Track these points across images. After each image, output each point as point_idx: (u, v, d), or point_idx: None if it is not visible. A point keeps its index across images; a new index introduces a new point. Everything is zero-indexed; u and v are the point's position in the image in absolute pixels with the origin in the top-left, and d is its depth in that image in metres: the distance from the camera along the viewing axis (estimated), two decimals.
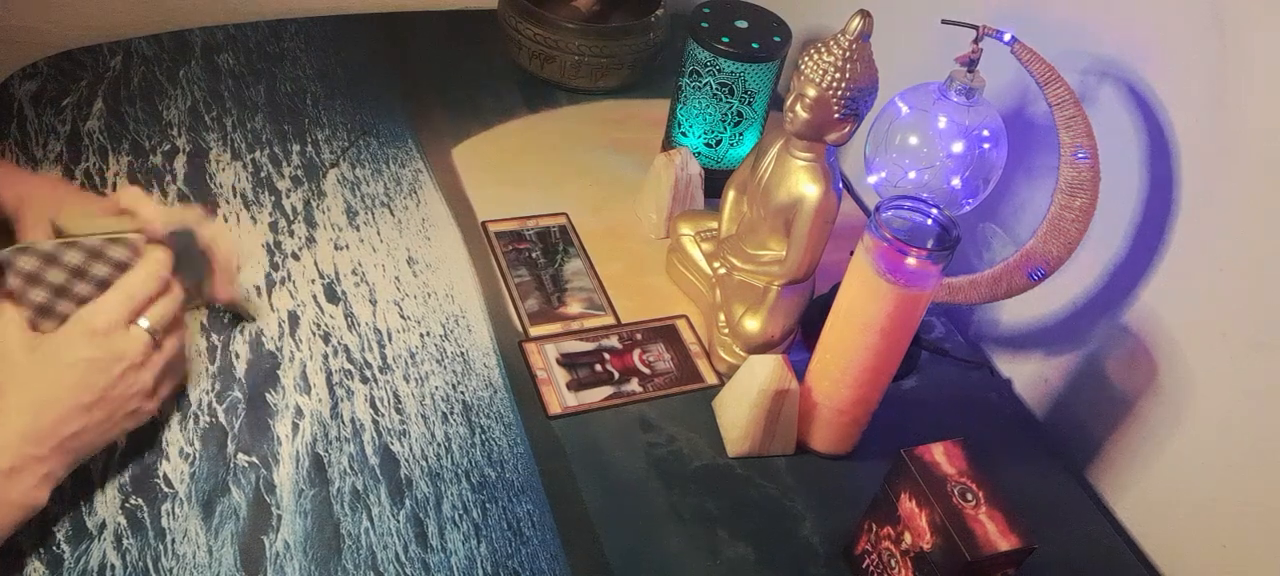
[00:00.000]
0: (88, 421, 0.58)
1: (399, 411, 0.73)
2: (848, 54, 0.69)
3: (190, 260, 0.68)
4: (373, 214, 0.90)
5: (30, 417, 0.56)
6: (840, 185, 0.75)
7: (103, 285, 0.61)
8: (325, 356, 0.76)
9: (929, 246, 0.64)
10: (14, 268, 0.58)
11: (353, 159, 0.96)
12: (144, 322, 0.61)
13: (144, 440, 0.66)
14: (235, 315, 0.76)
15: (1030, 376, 0.88)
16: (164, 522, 0.62)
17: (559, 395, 0.77)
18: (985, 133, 0.72)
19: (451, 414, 0.74)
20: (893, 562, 0.64)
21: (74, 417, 0.58)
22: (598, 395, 0.77)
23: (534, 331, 0.82)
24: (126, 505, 0.63)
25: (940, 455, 0.62)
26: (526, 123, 1.07)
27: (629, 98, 1.13)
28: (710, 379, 0.81)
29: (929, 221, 0.65)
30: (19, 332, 0.58)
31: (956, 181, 0.73)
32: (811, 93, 0.71)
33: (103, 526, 0.61)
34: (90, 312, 0.59)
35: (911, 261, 0.63)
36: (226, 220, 0.86)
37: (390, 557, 0.63)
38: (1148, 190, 0.75)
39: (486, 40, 1.18)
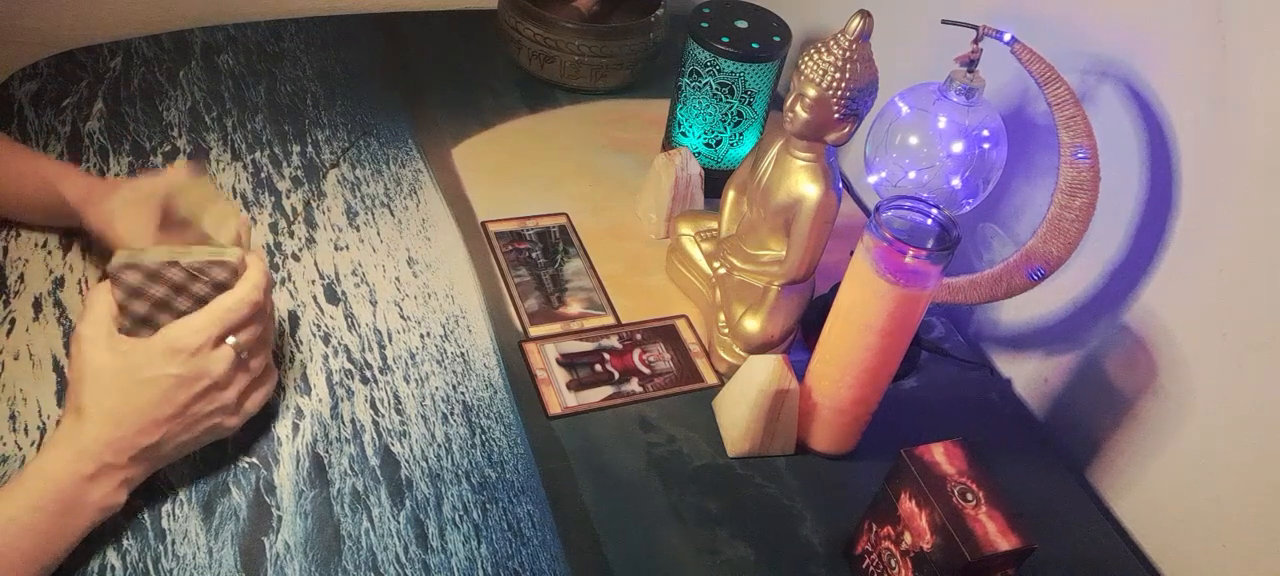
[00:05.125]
0: (167, 433, 0.60)
1: (399, 412, 0.73)
2: (848, 54, 0.69)
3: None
4: (373, 214, 0.90)
5: (112, 427, 0.58)
6: (840, 185, 0.75)
7: (201, 303, 0.62)
8: (325, 357, 0.76)
9: (929, 246, 0.64)
10: (119, 282, 0.60)
11: (353, 159, 0.96)
12: (231, 341, 0.62)
13: None
14: None
15: (1030, 376, 0.88)
16: (164, 523, 0.62)
17: (559, 395, 0.77)
18: (985, 133, 0.72)
19: (452, 414, 0.74)
20: (893, 562, 0.64)
21: (153, 430, 0.59)
22: (598, 395, 0.77)
23: (534, 331, 0.82)
24: (127, 505, 0.63)
25: (940, 455, 0.62)
26: (526, 123, 1.07)
27: (629, 98, 1.13)
28: (710, 379, 0.81)
29: (929, 221, 0.65)
30: (109, 343, 0.59)
31: (956, 181, 0.73)
32: (811, 93, 0.71)
33: (103, 527, 0.61)
34: (179, 331, 0.60)
35: (911, 261, 0.63)
36: None
37: (390, 558, 0.63)
38: (1148, 190, 0.75)
39: (486, 40, 1.18)
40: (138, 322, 0.61)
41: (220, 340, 0.61)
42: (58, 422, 0.63)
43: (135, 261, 0.60)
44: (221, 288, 0.63)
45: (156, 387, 0.59)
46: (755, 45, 0.90)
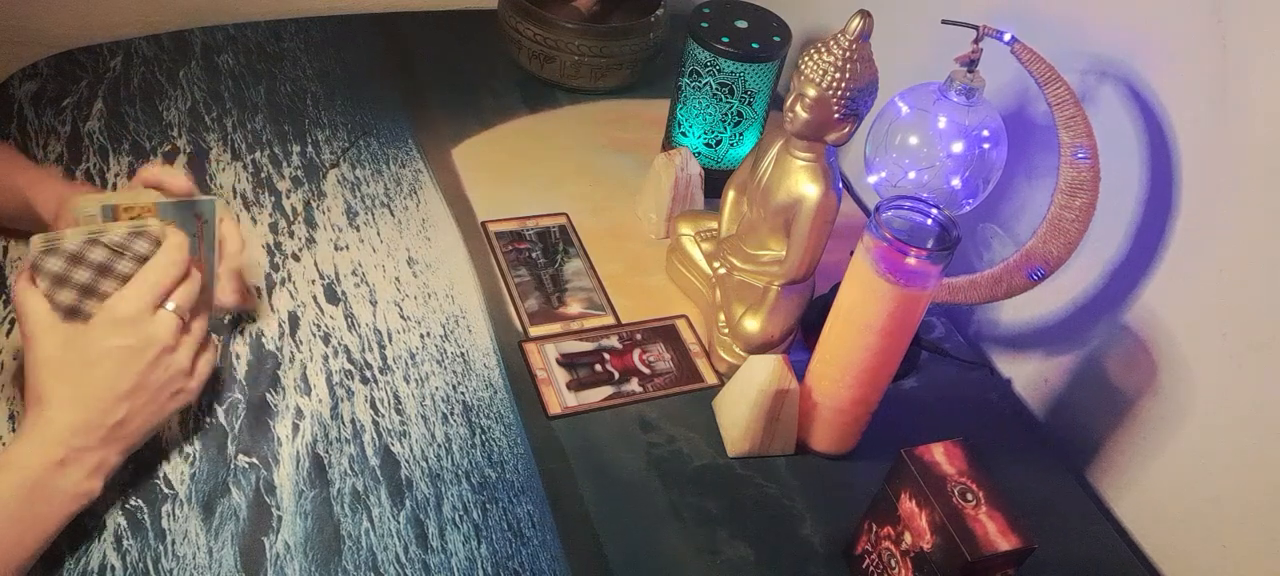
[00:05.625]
0: (131, 408, 0.60)
1: (399, 412, 0.73)
2: (848, 54, 0.69)
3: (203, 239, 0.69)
4: (373, 214, 0.90)
5: (73, 411, 0.58)
6: (840, 185, 0.75)
7: (127, 279, 0.62)
8: (325, 357, 0.76)
9: (929, 246, 0.64)
10: (42, 270, 0.59)
11: (353, 159, 0.96)
12: (170, 305, 0.62)
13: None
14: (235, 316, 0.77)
15: (1030, 376, 0.88)
16: (164, 523, 0.62)
17: (559, 395, 0.77)
18: (985, 133, 0.72)
19: (452, 414, 0.74)
20: (893, 562, 0.64)
21: (116, 407, 0.59)
22: (598, 395, 0.77)
23: (534, 331, 0.82)
24: (126, 506, 0.63)
25: (940, 455, 0.62)
26: (526, 123, 1.07)
27: (629, 98, 1.13)
28: (710, 379, 0.81)
29: (929, 221, 0.65)
30: (52, 330, 0.59)
31: (956, 181, 0.73)
32: (811, 93, 0.71)
33: (103, 527, 0.61)
34: (115, 303, 0.60)
35: (911, 261, 0.63)
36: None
37: (391, 559, 0.63)
38: (1148, 190, 0.75)
39: (486, 40, 1.18)
40: (68, 314, 0.60)
41: (157, 305, 0.61)
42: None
43: (55, 246, 0.59)
44: (145, 260, 0.62)
45: (109, 363, 0.59)
46: (755, 45, 0.90)
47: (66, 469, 0.57)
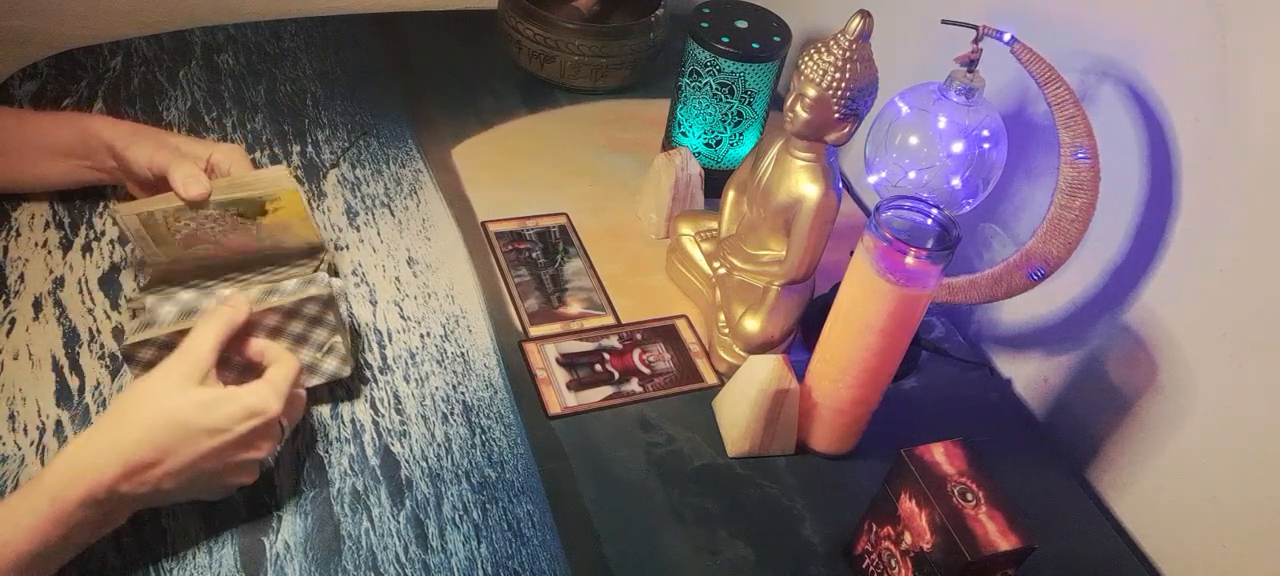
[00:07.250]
0: (188, 481, 0.58)
1: (399, 412, 0.73)
2: (848, 54, 0.69)
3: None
4: (373, 214, 0.90)
5: (119, 461, 0.55)
6: (840, 185, 0.75)
7: (300, 339, 0.68)
8: None
9: (929, 246, 0.64)
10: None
11: (353, 159, 0.96)
12: (284, 422, 0.62)
13: None
14: None
15: (1030, 376, 0.88)
16: (164, 522, 0.62)
17: (559, 395, 0.77)
18: (985, 133, 0.72)
19: (452, 414, 0.74)
20: (893, 562, 0.64)
21: (170, 476, 0.57)
22: (598, 395, 0.77)
23: (534, 331, 0.82)
24: None
25: (940, 455, 0.62)
26: (526, 123, 1.07)
27: (629, 98, 1.13)
28: (710, 379, 0.81)
29: (929, 221, 0.65)
30: (188, 379, 0.58)
31: (956, 181, 0.73)
32: (811, 93, 0.71)
33: None
34: (261, 398, 0.60)
35: (911, 261, 0.63)
36: None
37: (390, 558, 0.63)
38: (1148, 190, 0.75)
39: (486, 40, 1.18)
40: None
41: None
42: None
43: (246, 285, 0.67)
44: (313, 320, 0.67)
45: (211, 440, 0.57)
46: (755, 45, 0.90)
47: (96, 508, 0.55)
